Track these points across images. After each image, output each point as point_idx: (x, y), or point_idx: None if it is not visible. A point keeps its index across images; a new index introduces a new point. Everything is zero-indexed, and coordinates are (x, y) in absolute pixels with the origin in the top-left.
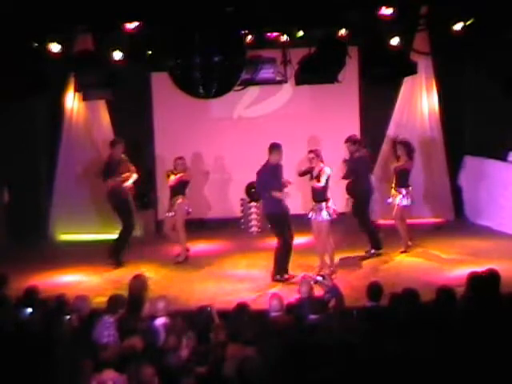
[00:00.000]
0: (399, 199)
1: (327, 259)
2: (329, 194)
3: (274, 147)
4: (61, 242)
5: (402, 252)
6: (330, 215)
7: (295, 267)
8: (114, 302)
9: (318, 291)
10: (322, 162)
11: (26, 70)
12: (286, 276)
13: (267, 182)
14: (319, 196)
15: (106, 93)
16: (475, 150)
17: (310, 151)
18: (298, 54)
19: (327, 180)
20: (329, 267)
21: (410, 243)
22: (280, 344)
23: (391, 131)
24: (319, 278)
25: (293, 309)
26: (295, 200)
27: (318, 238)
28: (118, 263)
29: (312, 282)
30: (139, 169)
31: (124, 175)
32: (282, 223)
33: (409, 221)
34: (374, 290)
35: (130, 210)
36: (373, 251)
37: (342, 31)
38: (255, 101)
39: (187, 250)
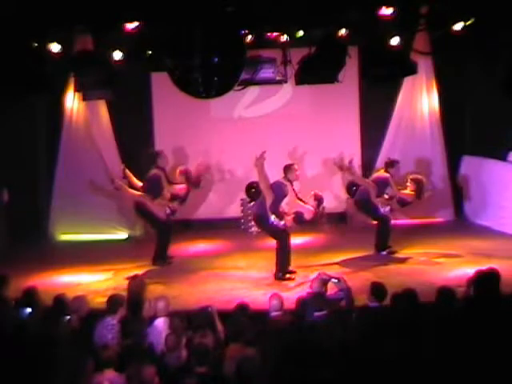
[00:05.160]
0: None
1: None
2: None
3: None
4: (61, 242)
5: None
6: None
7: (296, 267)
8: (114, 302)
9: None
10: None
11: (26, 70)
12: (288, 276)
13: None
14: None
15: (106, 93)
16: (475, 150)
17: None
18: (298, 54)
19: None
20: None
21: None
22: (280, 344)
23: (391, 133)
24: (334, 280)
25: (300, 303)
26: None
27: None
28: (165, 262)
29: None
30: (138, 169)
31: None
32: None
33: (408, 221)
34: (379, 290)
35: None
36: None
37: (342, 31)
38: (255, 101)
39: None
